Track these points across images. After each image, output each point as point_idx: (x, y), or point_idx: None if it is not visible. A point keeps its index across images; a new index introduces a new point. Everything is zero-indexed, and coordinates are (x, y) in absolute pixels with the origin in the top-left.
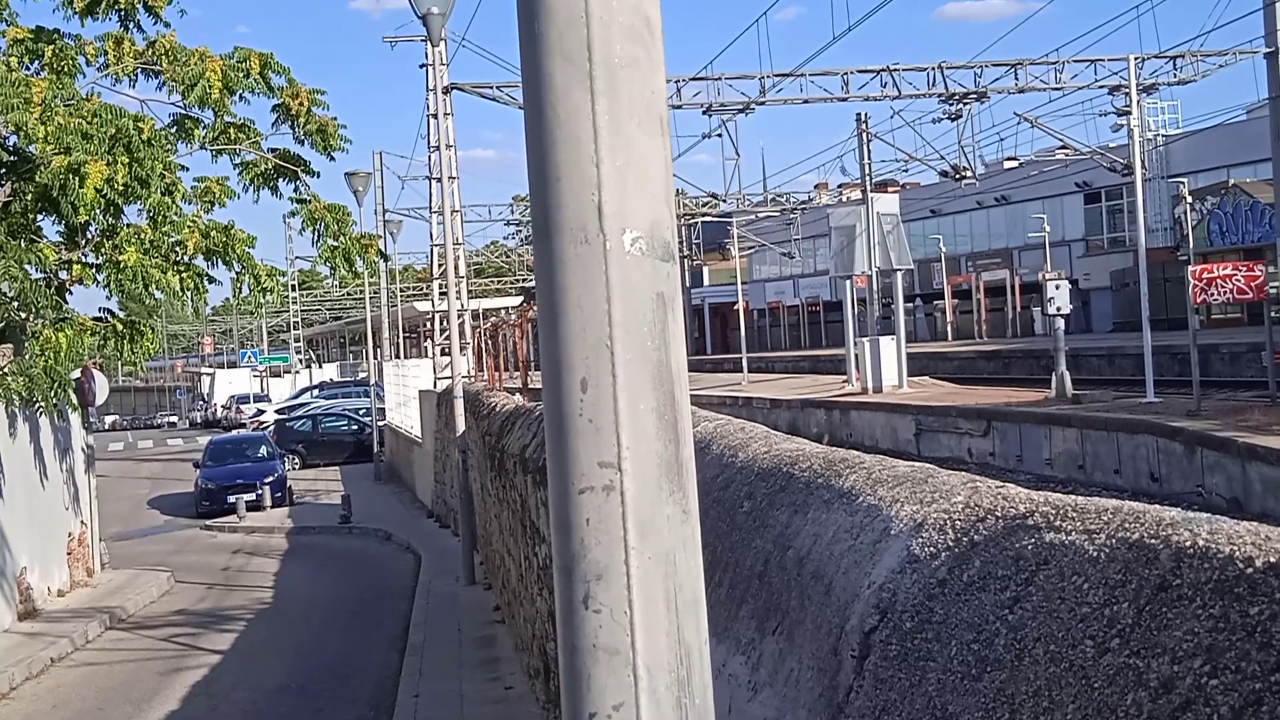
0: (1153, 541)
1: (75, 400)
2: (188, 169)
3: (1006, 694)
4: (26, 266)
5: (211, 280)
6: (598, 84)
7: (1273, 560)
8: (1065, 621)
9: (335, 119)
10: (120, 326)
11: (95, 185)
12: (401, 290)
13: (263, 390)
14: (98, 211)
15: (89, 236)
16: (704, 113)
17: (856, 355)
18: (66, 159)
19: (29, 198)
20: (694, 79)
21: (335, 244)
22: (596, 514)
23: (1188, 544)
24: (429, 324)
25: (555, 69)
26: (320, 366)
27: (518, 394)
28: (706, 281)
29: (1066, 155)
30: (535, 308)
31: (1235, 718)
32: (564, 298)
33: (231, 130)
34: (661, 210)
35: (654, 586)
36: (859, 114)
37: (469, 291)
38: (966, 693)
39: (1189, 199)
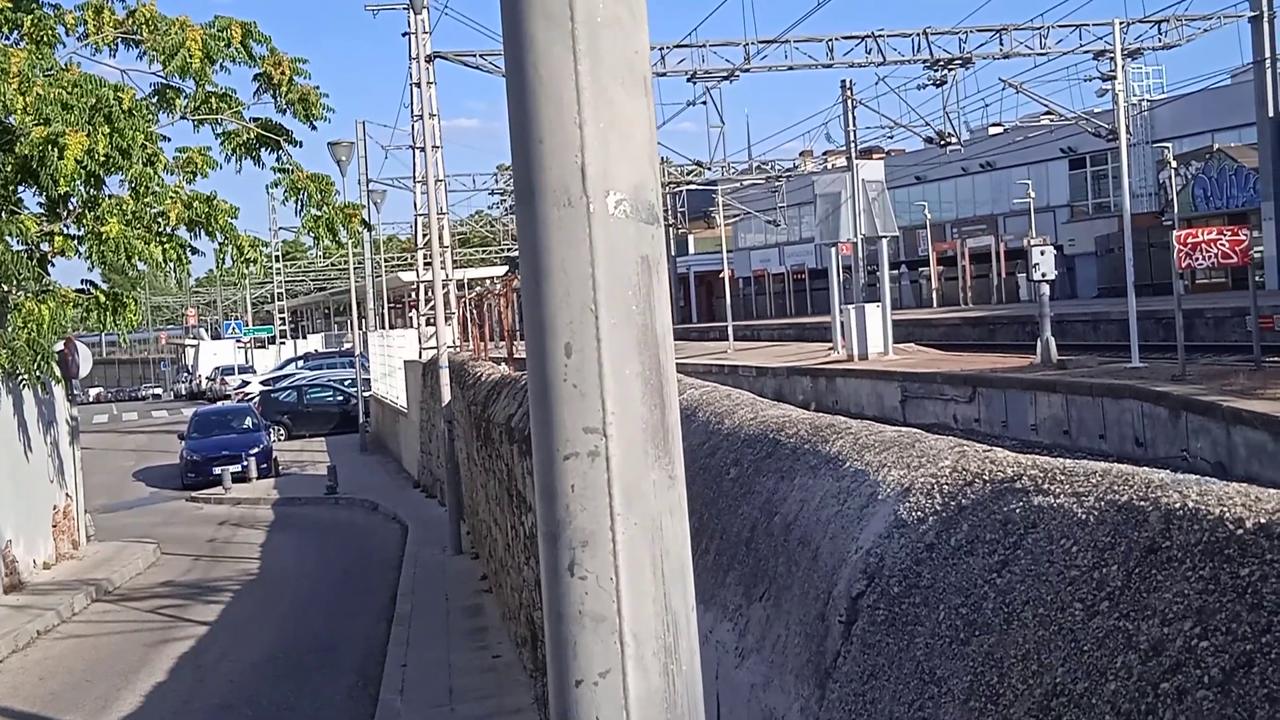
0: (1142, 504)
1: (58, 372)
2: (169, 139)
3: (995, 657)
4: (7, 238)
5: (194, 251)
6: (580, 43)
7: (1263, 521)
8: (1054, 585)
9: (317, 88)
10: (103, 298)
11: (75, 156)
12: (386, 260)
13: (247, 362)
14: (78, 183)
15: (70, 208)
16: (688, 80)
17: (842, 323)
18: (46, 130)
19: (8, 169)
20: (678, 46)
21: (318, 214)
22: (581, 480)
23: (1177, 506)
24: (414, 294)
25: (537, 28)
26: (305, 337)
27: (503, 363)
28: (692, 250)
29: (1051, 121)
30: (520, 276)
31: (1226, 680)
32: (547, 262)
33: (213, 100)
34: (645, 172)
35: (640, 553)
36: (844, 81)
37: (454, 261)
38: (955, 656)
39: (1173, 164)
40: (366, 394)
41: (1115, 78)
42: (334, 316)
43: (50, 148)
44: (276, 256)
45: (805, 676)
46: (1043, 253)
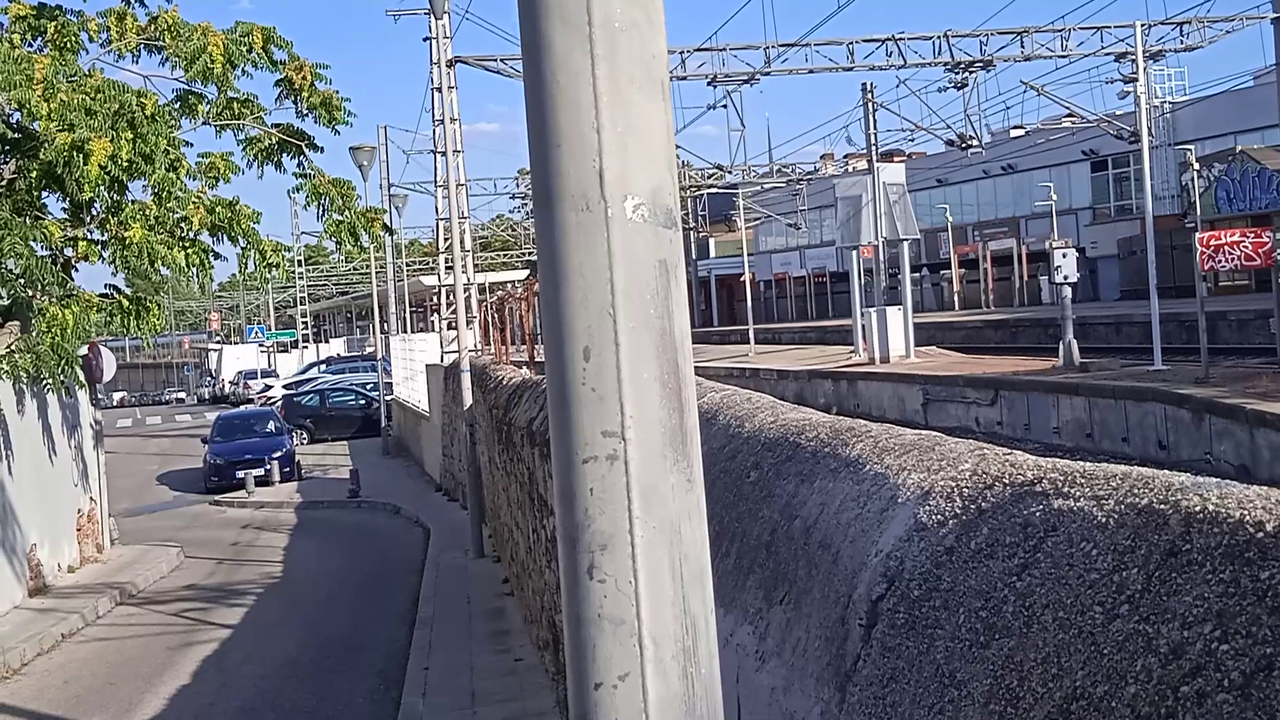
0: (1162, 507)
1: (82, 377)
2: (192, 145)
3: (1015, 661)
4: (32, 243)
5: (217, 256)
6: (597, 48)
7: None
8: (1074, 588)
9: (338, 93)
10: (126, 303)
11: (99, 162)
12: (408, 264)
13: (270, 366)
14: (102, 188)
15: (94, 213)
16: (708, 84)
17: (863, 326)
18: (70, 136)
19: (33, 175)
20: (698, 50)
21: (340, 218)
22: (600, 483)
23: (1197, 509)
24: (435, 298)
25: (555, 33)
26: (327, 341)
27: (524, 367)
28: (713, 253)
29: (1073, 123)
30: (539, 281)
31: (1246, 683)
32: (566, 266)
33: (235, 105)
34: (663, 176)
35: (659, 556)
36: (864, 84)
37: (475, 265)
38: (975, 660)
39: (1196, 166)
40: (388, 398)
41: (1137, 80)
42: (356, 320)
43: (74, 153)
44: (298, 261)
45: (825, 680)
46: (1065, 255)
